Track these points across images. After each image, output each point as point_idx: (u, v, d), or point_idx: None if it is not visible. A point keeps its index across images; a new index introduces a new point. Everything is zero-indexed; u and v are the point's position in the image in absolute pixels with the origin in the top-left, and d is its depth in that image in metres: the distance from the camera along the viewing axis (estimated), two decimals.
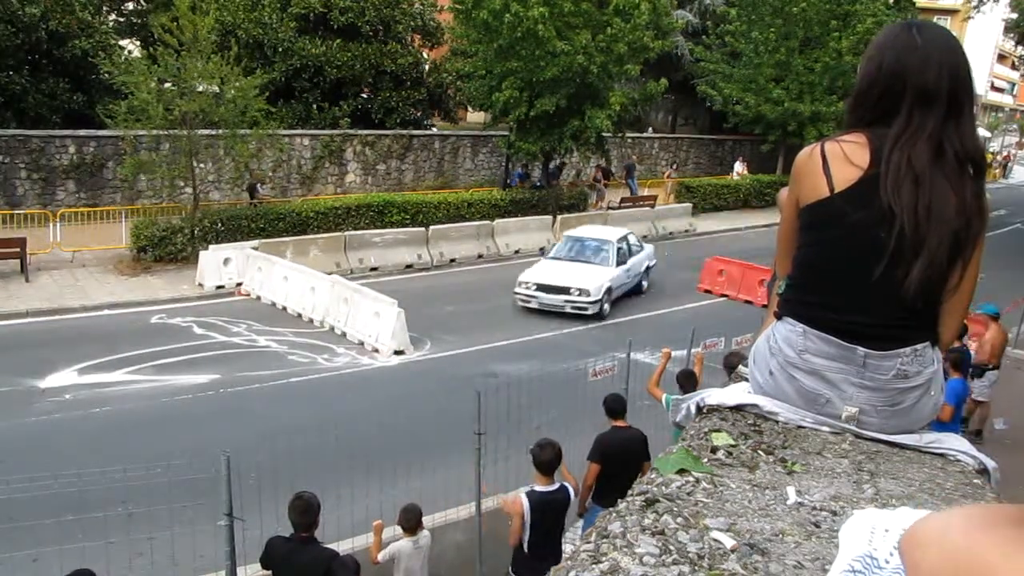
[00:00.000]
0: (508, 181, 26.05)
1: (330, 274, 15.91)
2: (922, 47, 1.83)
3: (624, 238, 17.52)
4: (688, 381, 7.56)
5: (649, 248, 18.80)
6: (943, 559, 0.72)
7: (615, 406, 7.05)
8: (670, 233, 24.97)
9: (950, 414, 8.19)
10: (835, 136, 1.90)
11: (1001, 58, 66.14)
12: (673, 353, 8.36)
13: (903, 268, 1.76)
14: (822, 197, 1.85)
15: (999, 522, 0.73)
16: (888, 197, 1.75)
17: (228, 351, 13.06)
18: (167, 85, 17.30)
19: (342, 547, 6.17)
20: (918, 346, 1.87)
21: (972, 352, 10.10)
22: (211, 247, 16.79)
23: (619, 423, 6.96)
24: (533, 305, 15.74)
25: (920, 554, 0.76)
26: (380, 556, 6.09)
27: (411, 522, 6.11)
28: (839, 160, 1.84)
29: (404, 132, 26.33)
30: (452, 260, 19.75)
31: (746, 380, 2.18)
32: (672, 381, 7.86)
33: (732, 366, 6.91)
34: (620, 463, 6.57)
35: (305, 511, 5.23)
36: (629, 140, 30.47)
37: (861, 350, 1.85)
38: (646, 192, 28.49)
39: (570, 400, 9.11)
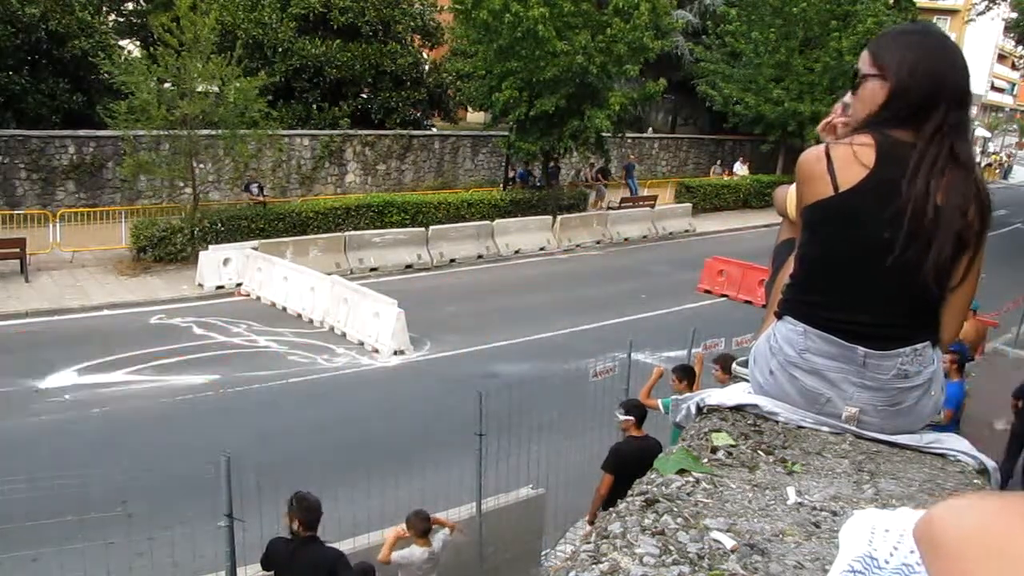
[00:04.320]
0: (514, 179, 26.02)
1: (330, 274, 15.90)
2: (950, 50, 1.89)
3: None
4: (686, 375, 7.54)
5: None
6: (965, 537, 0.72)
7: (633, 413, 6.89)
8: (670, 233, 24.98)
9: (949, 418, 8.19)
10: (840, 139, 1.91)
11: (1001, 58, 66.13)
12: (672, 354, 8.36)
13: (907, 266, 1.77)
14: (826, 196, 1.86)
15: (1016, 502, 0.73)
16: (898, 193, 1.76)
17: (228, 351, 13.06)
18: (167, 85, 17.30)
19: (342, 547, 6.16)
20: (918, 345, 1.87)
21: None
22: (211, 247, 16.78)
23: (637, 432, 6.81)
24: None
25: (941, 534, 0.75)
26: (393, 556, 6.09)
27: (419, 527, 6.10)
28: (844, 161, 1.84)
29: (404, 132, 26.32)
30: (452, 260, 19.74)
31: (743, 380, 2.18)
32: (663, 395, 7.83)
33: (723, 368, 6.90)
34: (634, 474, 6.45)
35: (310, 510, 5.24)
36: (629, 140, 30.46)
37: (861, 350, 1.86)
38: (646, 192, 28.50)
39: (570, 400, 9.12)
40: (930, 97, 1.84)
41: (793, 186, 2.08)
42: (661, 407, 7.33)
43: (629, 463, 6.41)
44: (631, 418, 6.94)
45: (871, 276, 1.82)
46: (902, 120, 1.86)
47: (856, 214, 1.82)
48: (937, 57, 1.87)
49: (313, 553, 5.28)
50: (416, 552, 6.09)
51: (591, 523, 6.92)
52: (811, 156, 1.92)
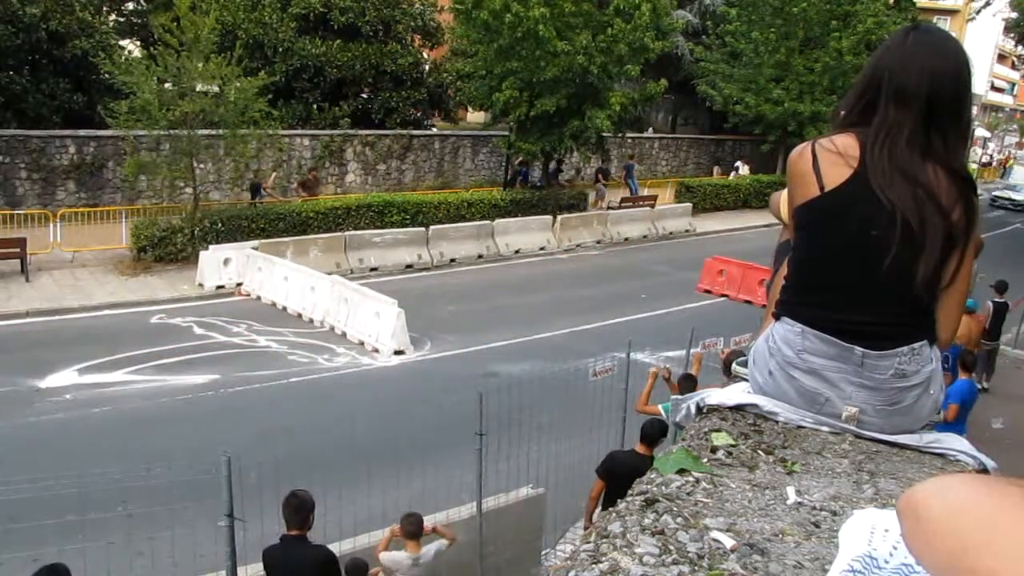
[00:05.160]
0: (518, 179, 25.97)
1: (330, 274, 15.91)
2: (908, 47, 1.84)
3: None
4: (690, 386, 7.53)
5: None
6: (954, 512, 0.72)
7: (649, 431, 6.66)
8: (670, 233, 24.97)
9: (955, 413, 8.20)
10: (826, 136, 1.91)
11: (1001, 58, 66.14)
12: (672, 354, 8.36)
13: (900, 265, 1.77)
14: (813, 196, 1.86)
15: (1000, 482, 0.73)
16: (880, 192, 1.76)
17: (228, 351, 13.06)
18: (167, 85, 17.30)
19: (342, 547, 6.17)
20: (915, 345, 1.87)
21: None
22: (211, 247, 16.78)
23: (643, 449, 6.65)
24: None
25: (927, 509, 0.75)
26: (382, 557, 6.11)
27: (408, 529, 6.10)
28: (829, 159, 1.84)
29: (404, 132, 26.32)
30: (452, 260, 19.74)
31: (743, 379, 2.18)
32: (662, 398, 7.82)
33: (730, 365, 6.86)
34: (623, 488, 6.36)
35: (298, 508, 5.26)
36: (629, 140, 30.46)
37: (859, 350, 1.86)
38: (646, 192, 28.51)
39: (570, 400, 9.12)
40: (872, 98, 1.85)
41: (786, 191, 2.09)
42: (662, 412, 7.32)
43: (622, 473, 6.21)
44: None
45: (864, 276, 1.82)
46: (857, 122, 1.87)
47: (842, 214, 1.82)
48: (886, 55, 1.87)
49: (300, 553, 5.29)
50: (400, 556, 6.10)
51: (587, 528, 6.89)
52: (796, 155, 1.93)
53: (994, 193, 38.49)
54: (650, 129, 36.55)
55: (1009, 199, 37.08)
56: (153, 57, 17.08)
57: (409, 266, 18.94)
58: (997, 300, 12.90)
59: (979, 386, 12.35)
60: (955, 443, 1.95)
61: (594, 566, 1.26)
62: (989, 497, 0.71)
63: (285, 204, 20.38)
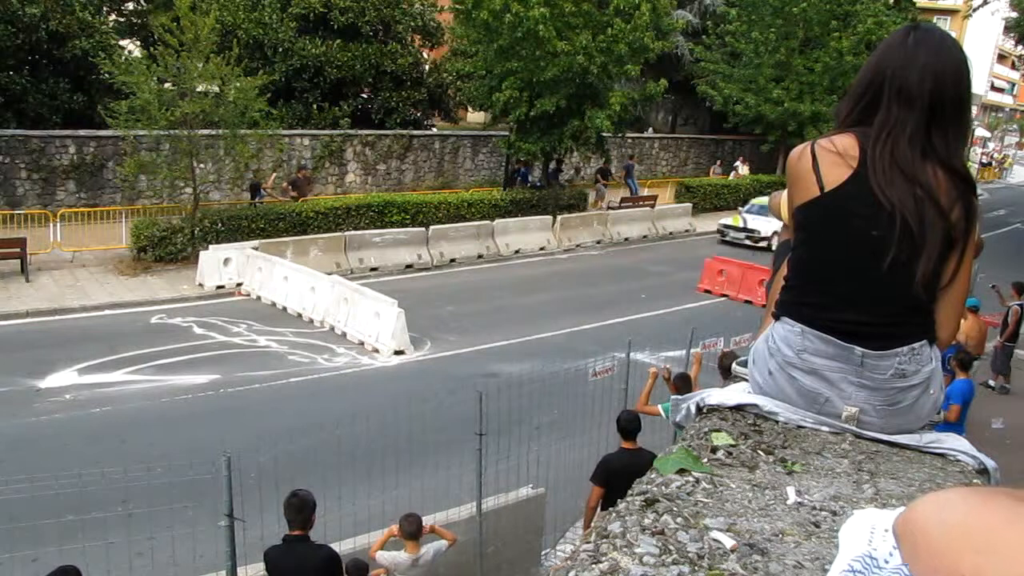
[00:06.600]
0: (518, 179, 25.95)
1: (330, 274, 15.91)
2: (910, 47, 1.84)
3: None
4: (685, 385, 7.53)
5: None
6: (948, 531, 0.72)
7: (628, 426, 6.68)
8: (670, 233, 24.98)
9: (957, 414, 8.22)
10: (825, 136, 1.91)
11: (1001, 58, 66.18)
12: (672, 354, 8.35)
13: (900, 265, 1.77)
14: (813, 197, 1.86)
15: (997, 495, 0.73)
16: (879, 192, 1.76)
17: (228, 351, 13.06)
18: (167, 85, 17.30)
19: (343, 547, 6.17)
20: (915, 344, 1.87)
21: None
22: (211, 247, 16.78)
23: (629, 445, 6.65)
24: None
25: (923, 529, 0.75)
26: (379, 556, 6.11)
27: (407, 530, 6.09)
28: (829, 159, 1.85)
29: (404, 132, 26.32)
30: (452, 260, 19.74)
31: (743, 380, 2.18)
32: (661, 398, 7.82)
33: (726, 367, 6.88)
34: (625, 487, 6.35)
35: (300, 508, 5.26)
36: (629, 140, 30.45)
37: (859, 350, 1.86)
38: (646, 192, 28.51)
39: (570, 400, 9.12)
40: (874, 97, 1.85)
41: (786, 191, 2.09)
42: (662, 412, 7.31)
43: (619, 475, 6.17)
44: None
45: (864, 276, 1.82)
46: (859, 121, 1.86)
47: (842, 213, 1.83)
48: (888, 54, 1.87)
49: (302, 553, 5.29)
50: (400, 556, 6.09)
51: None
52: (796, 155, 1.93)
53: (721, 222, 24.34)
54: (650, 129, 36.55)
55: (745, 230, 23.02)
56: (153, 57, 17.08)
57: (409, 266, 18.94)
58: (1018, 302, 12.88)
59: (1005, 387, 12.47)
60: (955, 443, 1.95)
61: (594, 566, 1.26)
62: (985, 512, 0.71)
63: (285, 204, 20.38)
